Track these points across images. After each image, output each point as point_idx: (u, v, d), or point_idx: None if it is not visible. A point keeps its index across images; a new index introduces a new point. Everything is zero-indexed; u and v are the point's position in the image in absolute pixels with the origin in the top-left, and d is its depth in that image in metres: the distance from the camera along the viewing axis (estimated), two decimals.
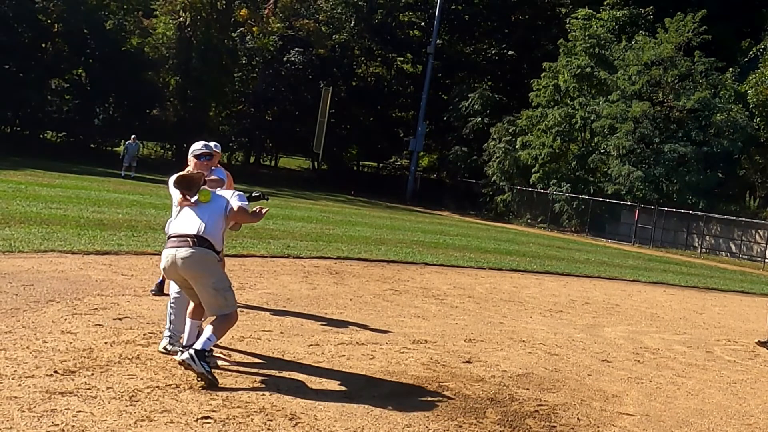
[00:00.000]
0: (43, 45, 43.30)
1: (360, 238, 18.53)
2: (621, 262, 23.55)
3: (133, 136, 32.83)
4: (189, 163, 6.62)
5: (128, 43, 44.25)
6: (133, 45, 44.47)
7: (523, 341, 8.66)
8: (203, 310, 5.89)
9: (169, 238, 5.85)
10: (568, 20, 42.89)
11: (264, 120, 51.09)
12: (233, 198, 6.01)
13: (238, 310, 8.04)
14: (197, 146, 6.62)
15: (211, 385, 5.39)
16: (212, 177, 6.27)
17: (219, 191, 6.15)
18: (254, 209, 6.15)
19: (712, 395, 7.31)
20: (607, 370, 7.75)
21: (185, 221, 5.84)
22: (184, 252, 5.62)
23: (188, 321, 5.98)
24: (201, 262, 5.65)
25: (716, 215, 35.13)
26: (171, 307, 6.36)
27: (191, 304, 5.99)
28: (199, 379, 5.39)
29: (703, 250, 35.76)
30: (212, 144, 7.05)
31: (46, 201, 16.62)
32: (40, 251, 10.18)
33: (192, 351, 5.39)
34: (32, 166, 28.03)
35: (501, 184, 42.69)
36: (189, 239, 5.68)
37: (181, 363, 5.38)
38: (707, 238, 36.40)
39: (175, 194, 6.33)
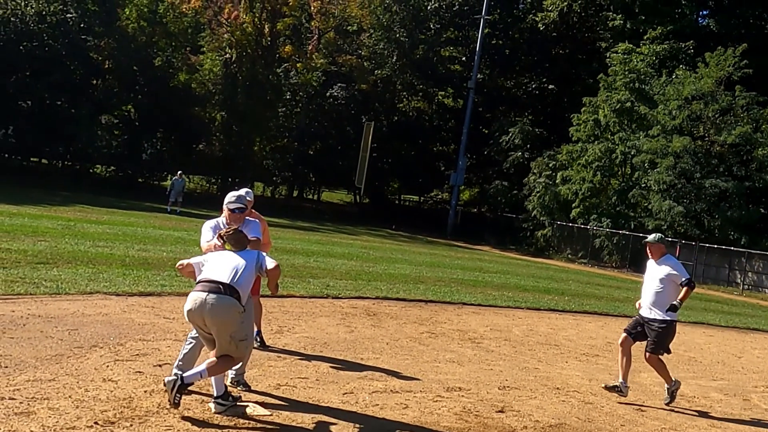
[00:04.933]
0: (94, 82, 44.73)
1: (399, 276, 18.67)
2: None
3: (179, 172, 33.45)
4: (223, 211, 6.93)
5: (176, 79, 45.29)
6: (180, 81, 45.47)
7: (557, 388, 8.65)
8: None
9: (199, 282, 6.05)
10: (608, 55, 42.94)
11: (307, 154, 51.77)
12: (267, 258, 6.28)
13: (276, 355, 8.32)
14: (232, 199, 6.85)
15: (174, 407, 5.73)
16: (252, 237, 6.55)
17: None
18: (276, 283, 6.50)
19: None
20: (640, 419, 7.73)
21: (219, 269, 6.05)
22: (213, 298, 5.84)
23: None
24: (226, 311, 5.86)
25: (759, 251, 34.61)
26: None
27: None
28: (169, 402, 5.71)
29: (746, 287, 35.21)
30: (243, 192, 7.30)
31: (93, 239, 17.09)
32: (85, 293, 10.49)
33: (181, 376, 5.74)
34: (81, 201, 28.75)
35: (541, 218, 42.65)
36: (221, 286, 5.90)
37: (165, 384, 5.73)
38: (750, 274, 35.86)
39: (205, 241, 6.68)
